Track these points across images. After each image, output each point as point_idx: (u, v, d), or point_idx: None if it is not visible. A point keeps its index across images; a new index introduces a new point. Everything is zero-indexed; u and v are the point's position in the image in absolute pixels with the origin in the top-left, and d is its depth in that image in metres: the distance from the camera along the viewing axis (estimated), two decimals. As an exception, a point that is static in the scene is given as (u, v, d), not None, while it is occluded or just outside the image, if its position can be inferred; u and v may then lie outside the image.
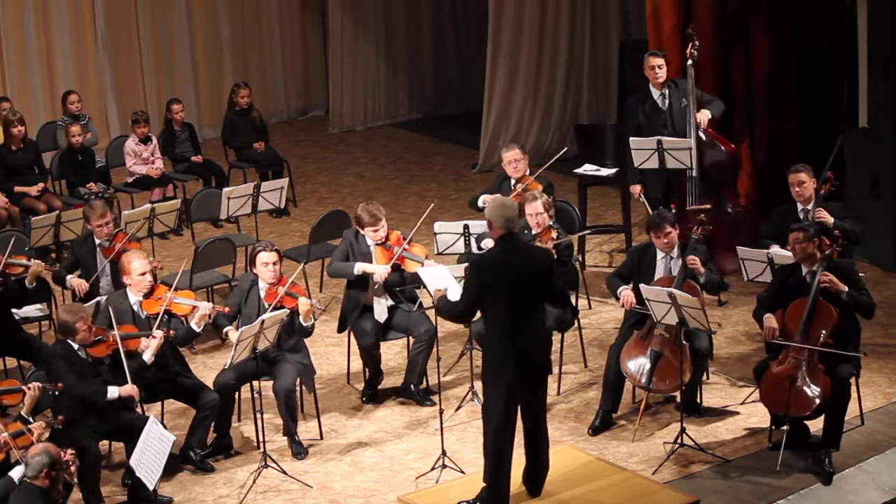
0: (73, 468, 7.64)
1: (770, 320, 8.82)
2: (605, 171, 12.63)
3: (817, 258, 8.79)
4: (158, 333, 8.86)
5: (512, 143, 11.40)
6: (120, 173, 13.96)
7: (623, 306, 9.40)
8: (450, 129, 17.29)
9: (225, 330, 9.29)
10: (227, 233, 12.71)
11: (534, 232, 9.85)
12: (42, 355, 9.20)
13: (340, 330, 10.07)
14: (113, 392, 8.52)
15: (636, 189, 11.54)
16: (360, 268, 9.75)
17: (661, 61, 11.43)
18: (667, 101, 11.42)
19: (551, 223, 9.93)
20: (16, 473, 7.55)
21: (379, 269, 9.71)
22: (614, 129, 13.04)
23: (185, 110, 14.49)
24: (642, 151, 11.23)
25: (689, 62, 11.28)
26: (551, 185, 10.97)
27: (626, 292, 9.35)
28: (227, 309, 9.29)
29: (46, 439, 7.95)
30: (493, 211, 8.14)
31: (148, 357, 8.81)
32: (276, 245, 9.44)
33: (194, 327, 9.09)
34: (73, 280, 10.33)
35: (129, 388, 8.57)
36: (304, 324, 9.17)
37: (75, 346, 8.57)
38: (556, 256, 9.64)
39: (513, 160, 10.95)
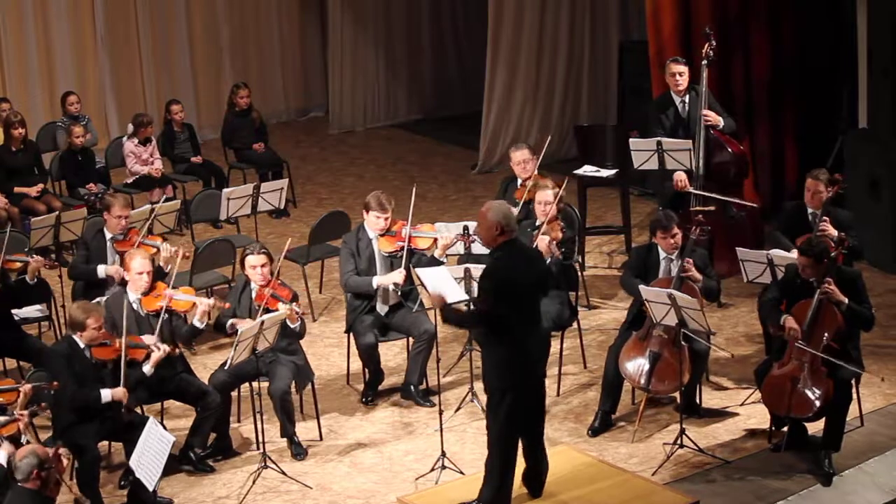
0: (64, 463, 7.64)
1: (790, 321, 8.77)
2: (604, 173, 12.62)
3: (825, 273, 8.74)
4: (163, 347, 8.84)
5: (521, 143, 11.25)
6: (119, 174, 13.97)
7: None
8: (450, 130, 17.28)
9: (230, 322, 9.25)
10: (227, 234, 12.71)
11: (539, 221, 9.82)
12: (44, 354, 9.20)
13: (349, 330, 10.05)
14: (106, 395, 8.52)
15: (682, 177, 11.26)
16: (376, 282, 9.78)
17: (682, 68, 11.29)
18: (687, 109, 11.35)
19: (558, 216, 9.92)
20: (1, 456, 7.54)
21: (394, 277, 9.73)
22: (614, 130, 13.04)
23: (185, 111, 14.50)
24: (642, 153, 11.21)
25: (704, 62, 11.23)
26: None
27: None
28: (227, 304, 9.29)
29: (46, 438, 7.96)
30: (499, 214, 7.91)
31: (148, 369, 8.83)
32: (265, 247, 9.42)
33: (197, 324, 9.12)
34: (109, 269, 10.31)
35: (120, 392, 8.55)
36: (291, 325, 9.17)
37: (81, 345, 8.58)
38: (560, 250, 9.68)
39: (522, 161, 10.86)
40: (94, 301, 9.58)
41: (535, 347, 8.08)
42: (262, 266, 9.25)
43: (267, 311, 9.03)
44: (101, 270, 10.34)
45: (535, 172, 10.80)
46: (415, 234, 9.84)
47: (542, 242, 9.61)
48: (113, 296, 9.42)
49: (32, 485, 7.15)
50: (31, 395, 8.37)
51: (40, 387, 8.42)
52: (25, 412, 8.15)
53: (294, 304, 9.17)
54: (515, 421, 8.05)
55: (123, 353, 8.65)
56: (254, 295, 9.30)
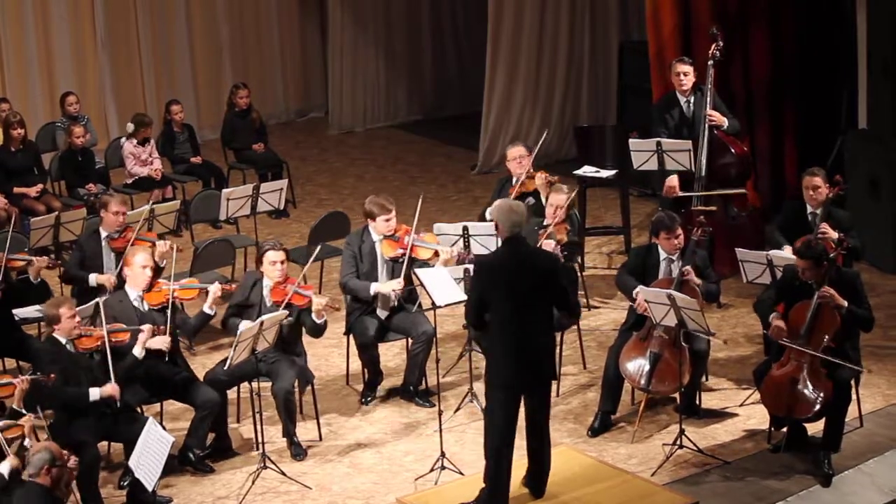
0: (73, 471, 7.64)
1: (777, 320, 8.78)
2: (604, 173, 12.63)
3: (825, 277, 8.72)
4: (146, 327, 8.84)
5: (517, 141, 11.31)
6: (118, 175, 13.97)
7: (638, 308, 9.26)
8: (450, 130, 17.29)
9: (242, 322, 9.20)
10: (227, 234, 12.71)
11: (546, 221, 9.83)
12: (30, 353, 9.22)
13: (348, 332, 10.04)
14: (94, 394, 8.47)
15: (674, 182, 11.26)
16: (374, 289, 9.77)
17: (687, 68, 11.26)
18: (692, 109, 11.33)
19: (566, 220, 9.95)
20: (4, 468, 7.51)
21: (392, 286, 9.71)
22: (614, 130, 13.04)
23: (185, 111, 14.50)
24: (641, 153, 11.20)
25: (710, 62, 11.23)
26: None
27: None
28: (233, 287, 9.30)
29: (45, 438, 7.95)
30: (501, 214, 8.14)
31: (138, 351, 8.81)
32: (282, 244, 9.45)
33: (208, 310, 9.12)
34: (100, 277, 10.25)
35: (110, 388, 8.51)
36: (318, 321, 9.16)
37: (63, 341, 8.57)
38: (563, 253, 9.70)
39: (517, 157, 10.90)
40: (92, 302, 9.58)
41: (534, 346, 8.10)
42: (282, 262, 9.27)
43: (290, 306, 9.05)
44: (93, 279, 10.26)
45: (534, 170, 10.83)
46: (417, 243, 9.80)
47: (547, 245, 9.62)
48: (112, 296, 9.41)
49: (42, 480, 7.16)
50: (28, 390, 8.35)
51: (38, 381, 8.41)
52: (26, 377, 8.21)
53: (330, 298, 9.18)
54: (508, 421, 8.10)
55: (107, 341, 8.61)
56: (266, 292, 9.29)
